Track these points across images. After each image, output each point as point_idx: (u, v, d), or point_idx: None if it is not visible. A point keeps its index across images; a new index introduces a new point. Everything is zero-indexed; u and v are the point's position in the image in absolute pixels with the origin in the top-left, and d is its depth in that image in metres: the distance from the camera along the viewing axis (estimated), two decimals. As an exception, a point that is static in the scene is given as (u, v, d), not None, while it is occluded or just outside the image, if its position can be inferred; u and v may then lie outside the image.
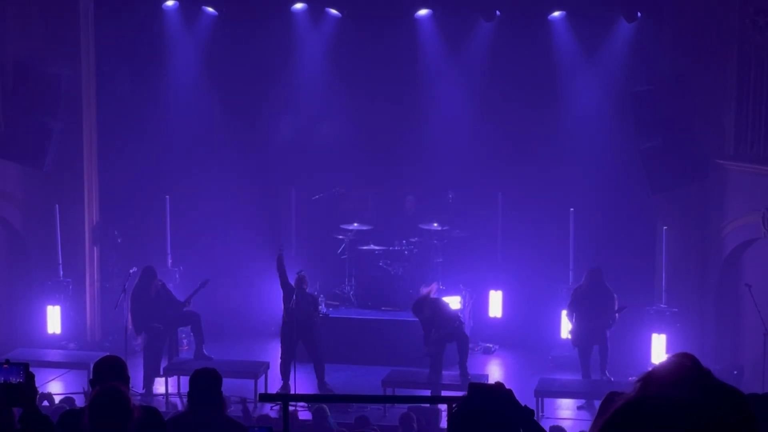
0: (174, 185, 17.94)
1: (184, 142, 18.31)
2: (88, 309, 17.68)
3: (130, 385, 6.65)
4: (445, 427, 12.42)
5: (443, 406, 12.91)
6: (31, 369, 5.69)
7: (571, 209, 16.99)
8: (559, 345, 16.94)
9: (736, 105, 15.99)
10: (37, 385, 5.72)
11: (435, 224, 17.88)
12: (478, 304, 17.96)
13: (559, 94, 17.77)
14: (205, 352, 15.71)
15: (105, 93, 17.85)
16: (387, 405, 14.61)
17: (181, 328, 16.41)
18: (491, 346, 17.78)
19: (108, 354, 7.03)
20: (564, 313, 16.37)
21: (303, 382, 15.16)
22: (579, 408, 15.11)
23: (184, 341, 17.12)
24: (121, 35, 17.59)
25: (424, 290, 15.56)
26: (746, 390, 2.52)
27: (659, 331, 16.03)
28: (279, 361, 15.35)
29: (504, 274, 17.92)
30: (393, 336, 16.72)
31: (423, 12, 17.76)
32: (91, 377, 6.70)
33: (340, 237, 18.02)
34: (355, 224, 18.00)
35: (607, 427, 2.11)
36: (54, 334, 17.20)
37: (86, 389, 12.84)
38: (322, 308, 16.94)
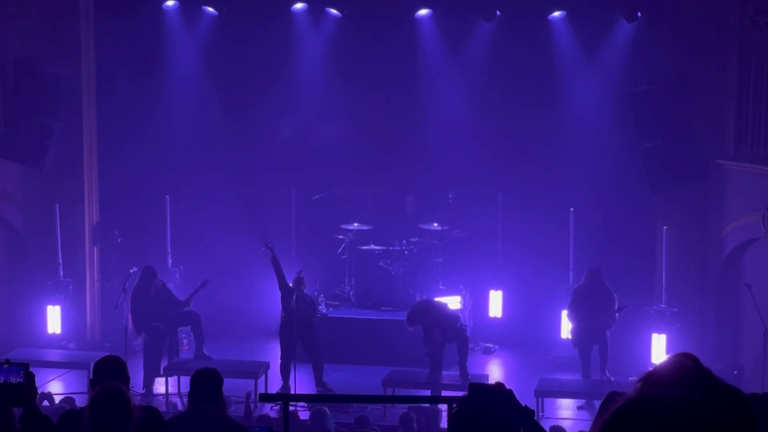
0: (174, 185, 17.94)
1: (184, 142, 18.31)
2: (88, 309, 17.68)
3: (131, 385, 6.65)
4: (446, 427, 12.42)
5: (443, 406, 12.91)
6: (31, 369, 5.68)
7: (571, 209, 16.99)
8: (559, 345, 16.93)
9: (736, 105, 15.99)
10: (37, 385, 5.71)
11: (435, 224, 17.88)
12: (478, 304, 17.96)
13: (559, 94, 17.77)
14: (205, 352, 15.71)
15: (105, 93, 17.85)
16: (387, 405, 14.61)
17: (181, 328, 16.40)
18: (491, 346, 17.77)
19: (108, 354, 7.03)
20: (564, 313, 16.37)
21: (303, 382, 15.16)
22: (579, 408, 15.10)
23: (185, 341, 17.12)
24: (121, 35, 17.59)
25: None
26: (746, 390, 2.52)
27: (659, 331, 16.03)
28: (279, 361, 15.35)
29: (504, 274, 17.92)
30: (393, 336, 16.71)
31: (423, 12, 17.76)
32: (91, 377, 6.70)
33: (340, 237, 18.02)
34: (355, 224, 18.00)
35: (607, 426, 2.11)
36: (54, 334, 17.20)
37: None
38: (322, 308, 16.94)
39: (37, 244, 17.50)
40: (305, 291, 15.60)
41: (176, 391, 15.14)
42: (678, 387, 2.10)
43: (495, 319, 18.04)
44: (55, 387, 15.49)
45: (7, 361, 5.65)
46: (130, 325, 15.74)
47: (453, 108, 18.08)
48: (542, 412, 14.63)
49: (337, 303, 17.85)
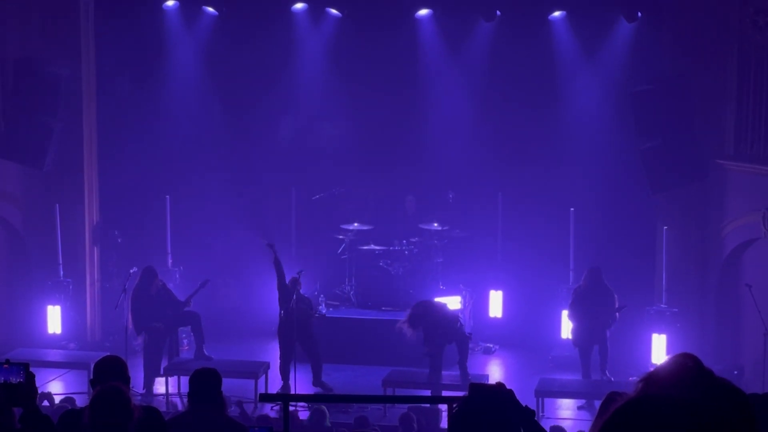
0: (174, 185, 17.94)
1: (184, 142, 18.31)
2: (88, 309, 17.68)
3: (131, 385, 6.65)
4: (446, 427, 12.42)
5: (443, 406, 12.91)
6: (31, 369, 5.68)
7: (571, 209, 16.99)
8: (559, 345, 16.93)
9: (736, 105, 15.99)
10: (37, 385, 5.71)
11: (435, 224, 17.88)
12: (478, 304, 17.96)
13: (559, 94, 17.77)
14: (205, 352, 15.71)
15: (105, 93, 17.85)
16: (387, 405, 14.61)
17: (181, 328, 16.40)
18: (491, 346, 17.77)
19: (108, 354, 7.03)
20: (565, 313, 16.37)
21: (303, 382, 15.16)
22: (579, 408, 15.10)
23: (185, 341, 17.12)
24: (121, 35, 17.59)
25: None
26: (746, 390, 2.52)
27: (659, 331, 16.03)
28: (279, 361, 15.35)
29: (504, 274, 17.92)
30: (393, 336, 16.65)
31: (423, 12, 17.76)
32: (91, 377, 6.70)
33: (340, 237, 18.02)
34: (355, 224, 18.00)
35: (607, 426, 2.11)
36: (54, 334, 17.20)
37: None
38: (322, 308, 16.94)
39: (37, 244, 17.50)
40: (301, 291, 15.61)
41: (176, 391, 15.14)
42: (679, 387, 2.10)
43: (495, 319, 18.04)
44: (56, 387, 15.50)
45: (7, 361, 5.65)
46: (131, 325, 15.73)
47: (453, 108, 18.08)
48: (542, 412, 14.63)
49: (338, 303, 17.85)
